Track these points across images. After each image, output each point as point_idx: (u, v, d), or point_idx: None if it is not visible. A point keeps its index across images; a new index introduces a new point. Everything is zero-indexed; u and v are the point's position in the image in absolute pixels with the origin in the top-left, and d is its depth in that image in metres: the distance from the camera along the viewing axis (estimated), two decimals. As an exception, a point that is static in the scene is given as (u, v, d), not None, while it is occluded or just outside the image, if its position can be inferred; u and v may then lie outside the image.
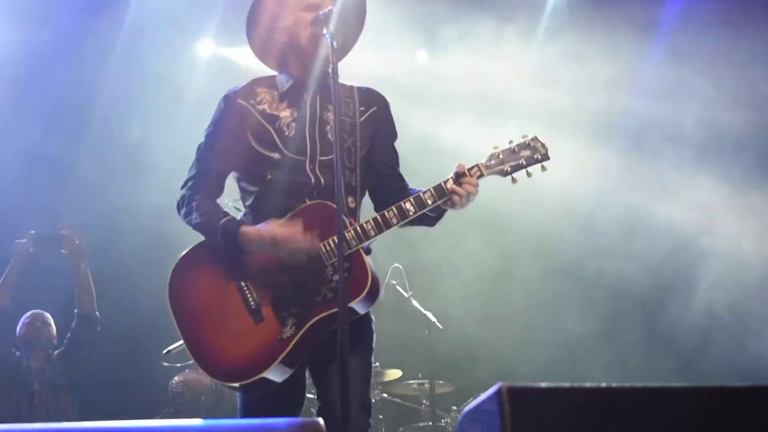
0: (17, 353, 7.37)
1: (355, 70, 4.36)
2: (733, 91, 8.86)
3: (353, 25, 4.33)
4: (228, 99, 4.22)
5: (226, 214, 4.04)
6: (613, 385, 2.31)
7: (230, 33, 9.15)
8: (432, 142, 8.91)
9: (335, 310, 3.73)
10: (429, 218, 4.09)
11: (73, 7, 8.75)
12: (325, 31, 3.84)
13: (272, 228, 3.89)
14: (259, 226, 3.93)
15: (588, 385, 2.30)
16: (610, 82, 9.22)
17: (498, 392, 2.30)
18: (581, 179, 9.24)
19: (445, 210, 4.07)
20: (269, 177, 4.07)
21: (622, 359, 9.11)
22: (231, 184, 4.27)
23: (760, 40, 8.74)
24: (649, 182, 9.40)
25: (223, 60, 9.39)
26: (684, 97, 9.08)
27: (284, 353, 3.82)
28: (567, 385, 2.28)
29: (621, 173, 9.42)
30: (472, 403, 2.49)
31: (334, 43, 3.74)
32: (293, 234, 3.86)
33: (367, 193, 4.32)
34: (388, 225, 3.91)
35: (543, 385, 2.30)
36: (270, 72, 4.36)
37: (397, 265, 8.39)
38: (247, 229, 3.92)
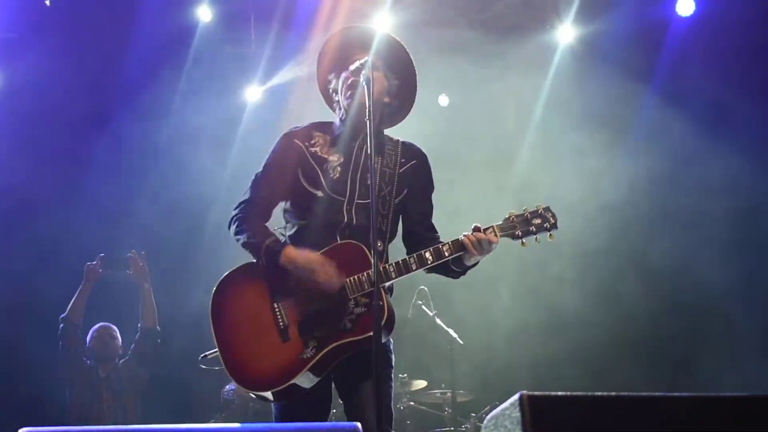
0: (88, 362, 7.42)
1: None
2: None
3: (403, 87, 4.29)
4: (287, 138, 4.28)
5: (271, 234, 4.09)
6: (630, 393, 2.27)
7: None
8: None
9: (351, 338, 3.84)
10: (453, 272, 4.14)
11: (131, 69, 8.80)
12: (361, 78, 3.88)
13: (312, 255, 3.93)
14: (301, 251, 3.96)
15: (605, 393, 2.27)
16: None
17: (519, 399, 2.29)
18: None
19: (468, 267, 4.12)
20: (311, 212, 4.12)
21: (642, 368, 9.03)
22: (278, 213, 4.30)
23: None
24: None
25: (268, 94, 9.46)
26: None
27: (305, 368, 3.84)
28: (584, 393, 2.25)
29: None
30: (496, 410, 2.49)
31: (370, 88, 3.79)
32: (327, 267, 3.90)
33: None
34: (408, 269, 3.96)
35: (561, 393, 2.27)
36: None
37: (422, 287, 8.34)
38: (290, 250, 3.96)
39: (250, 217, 4.14)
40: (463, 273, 4.17)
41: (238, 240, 4.12)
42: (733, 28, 8.69)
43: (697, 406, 2.31)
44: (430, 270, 4.09)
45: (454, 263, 4.05)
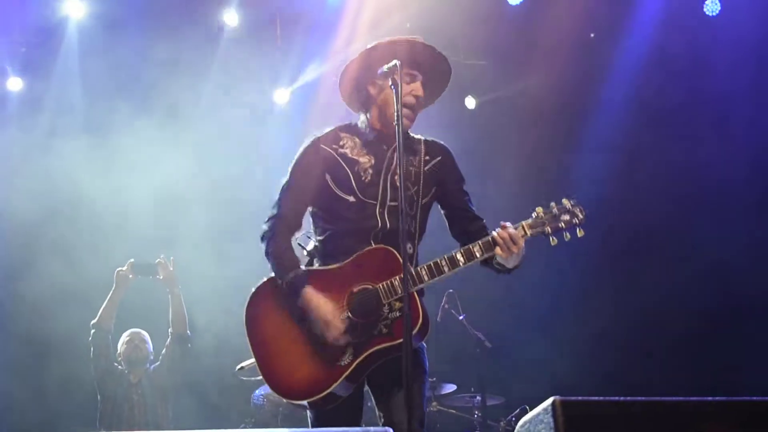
0: (120, 368, 7.44)
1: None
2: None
3: (438, 87, 4.35)
4: (313, 143, 4.24)
5: (295, 266, 4.05)
6: (663, 398, 2.25)
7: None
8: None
9: (388, 344, 3.85)
10: (500, 271, 4.12)
11: (157, 73, 8.94)
12: (390, 82, 3.86)
13: (325, 307, 3.91)
14: (317, 306, 3.92)
15: (637, 398, 2.26)
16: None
17: (552, 405, 2.28)
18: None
19: (511, 268, 4.07)
20: (343, 218, 4.10)
21: (674, 373, 8.91)
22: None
23: None
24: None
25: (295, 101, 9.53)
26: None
27: (343, 376, 3.87)
28: (616, 399, 2.24)
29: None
30: (528, 415, 2.49)
31: (400, 93, 3.79)
32: (334, 326, 3.89)
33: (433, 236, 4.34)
34: (440, 272, 3.92)
35: (593, 398, 2.26)
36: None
37: (450, 290, 8.33)
38: (307, 299, 3.94)
39: (278, 236, 4.12)
40: (510, 271, 4.12)
41: (267, 260, 4.14)
42: (759, 29, 8.65)
43: (733, 410, 2.29)
44: (483, 265, 4.09)
45: (498, 264, 4.04)
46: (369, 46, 4.19)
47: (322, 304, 3.92)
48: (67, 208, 8.84)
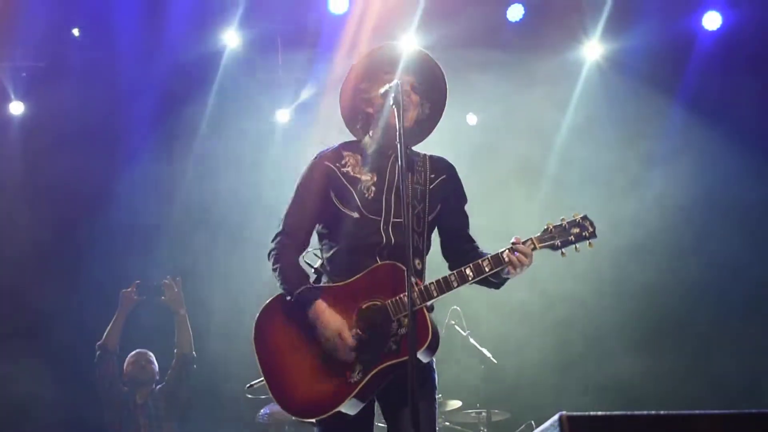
0: (125, 389, 7.41)
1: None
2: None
3: (433, 110, 4.34)
4: (316, 161, 4.25)
5: (304, 281, 4.06)
6: (672, 412, 2.25)
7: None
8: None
9: (397, 360, 3.80)
10: (493, 283, 4.13)
11: (159, 95, 8.99)
12: (391, 101, 3.88)
13: (336, 324, 3.90)
14: (328, 319, 3.92)
15: (644, 412, 2.25)
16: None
17: (559, 420, 2.28)
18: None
19: (507, 278, 4.08)
20: (348, 234, 4.09)
21: (673, 389, 8.87)
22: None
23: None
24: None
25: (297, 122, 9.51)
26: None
27: (352, 394, 3.83)
28: (624, 413, 2.24)
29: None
30: (536, 431, 2.45)
31: (400, 111, 3.80)
32: (345, 342, 3.87)
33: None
34: (449, 287, 3.92)
35: (600, 413, 2.26)
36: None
37: (455, 307, 8.33)
38: (318, 311, 3.93)
39: (284, 253, 4.13)
40: (503, 284, 4.15)
41: (275, 277, 4.13)
42: (760, 43, 8.68)
43: (747, 425, 2.28)
44: (477, 283, 4.06)
45: (493, 275, 4.02)
46: (357, 61, 4.29)
47: (332, 319, 3.91)
48: (72, 228, 8.89)
